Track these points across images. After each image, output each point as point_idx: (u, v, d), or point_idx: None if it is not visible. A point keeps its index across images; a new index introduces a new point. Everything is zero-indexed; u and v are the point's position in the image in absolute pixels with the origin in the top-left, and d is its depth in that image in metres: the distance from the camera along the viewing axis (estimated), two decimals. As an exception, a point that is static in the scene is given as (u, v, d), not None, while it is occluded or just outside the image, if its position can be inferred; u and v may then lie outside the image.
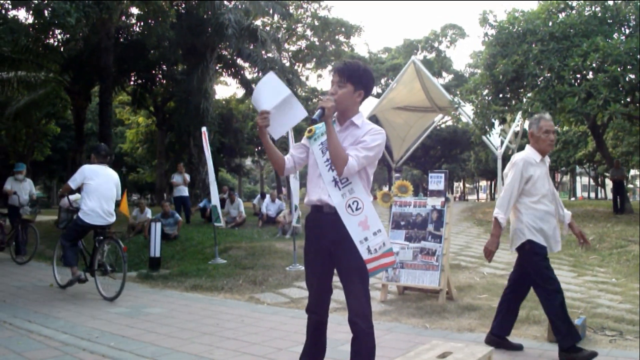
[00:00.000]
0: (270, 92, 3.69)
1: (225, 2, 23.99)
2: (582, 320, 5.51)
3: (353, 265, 3.62)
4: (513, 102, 18.43)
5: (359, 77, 3.67)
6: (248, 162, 62.10)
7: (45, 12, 15.46)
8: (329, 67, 39.72)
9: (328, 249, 3.70)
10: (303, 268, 9.47)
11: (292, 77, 28.62)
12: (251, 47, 24.19)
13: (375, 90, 52.60)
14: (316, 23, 36.91)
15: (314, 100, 42.31)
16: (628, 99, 16.22)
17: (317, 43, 38.02)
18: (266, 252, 11.62)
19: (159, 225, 11.21)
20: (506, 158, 35.95)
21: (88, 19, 16.35)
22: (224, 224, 13.06)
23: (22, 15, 49.31)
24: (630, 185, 64.33)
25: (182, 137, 25.49)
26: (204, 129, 12.34)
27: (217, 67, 27.09)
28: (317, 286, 3.84)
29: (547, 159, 5.23)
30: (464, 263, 10.28)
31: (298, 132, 18.88)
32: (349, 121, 3.70)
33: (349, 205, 3.62)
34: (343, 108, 3.68)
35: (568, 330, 4.80)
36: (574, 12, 17.30)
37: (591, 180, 62.84)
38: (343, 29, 38.12)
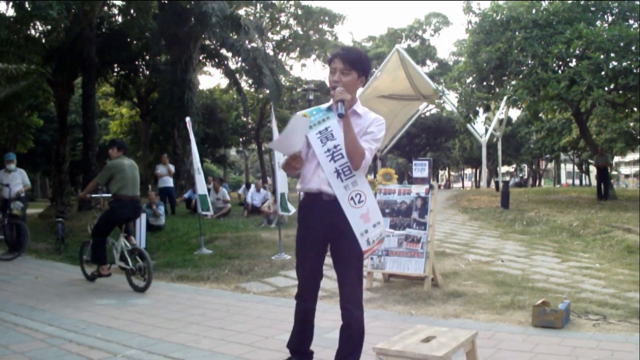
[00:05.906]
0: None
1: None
2: (566, 304, 5.57)
3: (352, 252, 3.60)
4: (497, 89, 18.51)
5: (361, 63, 3.58)
6: (233, 152, 61.99)
7: (27, 4, 15.31)
8: (313, 57, 39.61)
9: (324, 235, 3.66)
10: (289, 257, 9.53)
11: (276, 66, 28.50)
12: (234, 36, 24.06)
13: (360, 78, 52.48)
14: (299, 12, 36.76)
15: (298, 89, 42.19)
16: (611, 86, 16.34)
17: (300, 32, 37.89)
18: (252, 241, 11.62)
19: (144, 216, 11.18)
20: (490, 146, 36.31)
21: (70, 10, 16.20)
22: (212, 211, 13.35)
23: (2, 7, 48.91)
24: (614, 172, 64.84)
25: (166, 128, 25.29)
26: (187, 118, 12.30)
27: (200, 58, 26.92)
28: (309, 272, 3.78)
29: None
30: (449, 250, 10.32)
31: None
32: (351, 110, 3.57)
33: (352, 198, 3.57)
34: None
35: None
36: (556, -1, 17.40)
37: (575, 167, 63.10)
38: (326, 18, 37.97)
